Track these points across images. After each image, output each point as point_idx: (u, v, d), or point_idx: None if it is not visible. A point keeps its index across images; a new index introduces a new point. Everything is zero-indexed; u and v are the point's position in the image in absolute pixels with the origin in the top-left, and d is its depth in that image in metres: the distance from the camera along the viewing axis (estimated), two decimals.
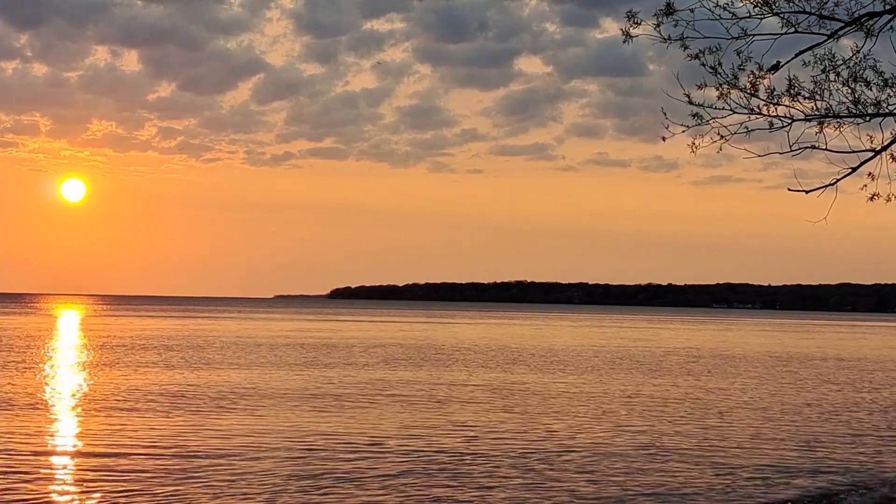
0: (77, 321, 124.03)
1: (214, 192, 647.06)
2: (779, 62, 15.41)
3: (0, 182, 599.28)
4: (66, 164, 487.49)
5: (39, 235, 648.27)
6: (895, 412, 36.02)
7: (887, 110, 15.43)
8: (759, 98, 15.54)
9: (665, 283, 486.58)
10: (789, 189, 15.90)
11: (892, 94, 15.31)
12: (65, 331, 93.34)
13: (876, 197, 15.64)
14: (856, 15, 15.19)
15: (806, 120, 15.65)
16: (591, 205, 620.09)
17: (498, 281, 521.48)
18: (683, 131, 15.69)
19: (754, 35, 15.34)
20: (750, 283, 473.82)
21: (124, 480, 20.08)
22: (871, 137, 15.56)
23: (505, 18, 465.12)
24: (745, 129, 15.70)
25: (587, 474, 21.85)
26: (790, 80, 15.46)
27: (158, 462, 22.07)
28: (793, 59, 15.45)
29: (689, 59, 15.31)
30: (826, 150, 15.68)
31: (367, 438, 26.01)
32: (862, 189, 15.66)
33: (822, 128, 15.61)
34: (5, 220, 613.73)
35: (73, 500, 18.59)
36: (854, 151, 15.70)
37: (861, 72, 15.36)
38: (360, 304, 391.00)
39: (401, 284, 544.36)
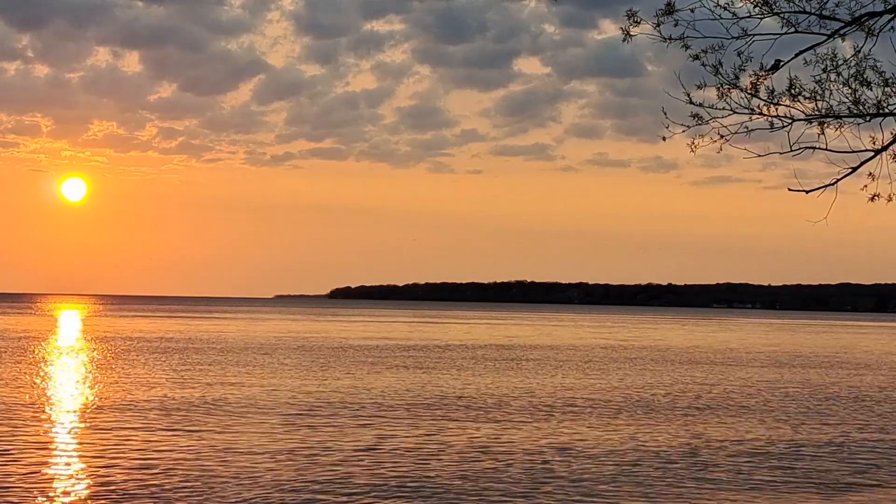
0: (77, 321, 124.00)
1: (214, 193, 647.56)
2: (779, 61, 15.36)
3: (1, 182, 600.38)
4: (66, 165, 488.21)
5: (40, 235, 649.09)
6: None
7: (888, 110, 15.39)
8: (760, 98, 15.49)
9: (665, 283, 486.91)
10: (789, 189, 15.84)
11: (892, 93, 15.26)
12: (64, 331, 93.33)
13: (877, 197, 15.57)
14: (856, 15, 15.15)
15: (807, 120, 15.60)
16: (591, 205, 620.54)
17: (498, 281, 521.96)
18: (683, 131, 15.64)
19: (754, 35, 15.29)
20: (750, 283, 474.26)
21: (123, 480, 20.12)
22: (872, 139, 15.52)
23: (504, 19, 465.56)
24: (746, 129, 15.64)
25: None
26: (791, 80, 15.40)
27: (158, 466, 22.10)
28: (793, 58, 15.40)
29: (690, 59, 15.23)
30: (826, 150, 15.62)
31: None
32: (863, 189, 15.59)
33: (822, 128, 15.55)
34: (6, 220, 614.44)
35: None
36: (854, 151, 15.65)
37: (862, 72, 15.31)
38: (359, 304, 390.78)
39: (401, 284, 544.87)
